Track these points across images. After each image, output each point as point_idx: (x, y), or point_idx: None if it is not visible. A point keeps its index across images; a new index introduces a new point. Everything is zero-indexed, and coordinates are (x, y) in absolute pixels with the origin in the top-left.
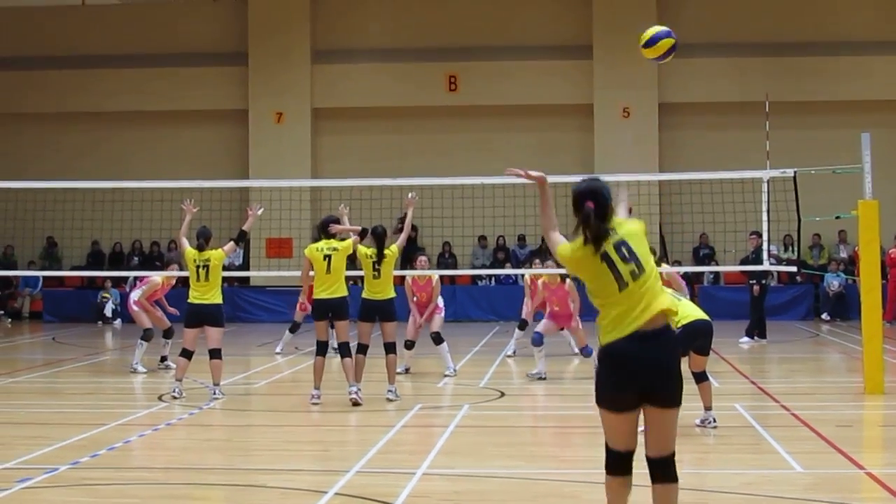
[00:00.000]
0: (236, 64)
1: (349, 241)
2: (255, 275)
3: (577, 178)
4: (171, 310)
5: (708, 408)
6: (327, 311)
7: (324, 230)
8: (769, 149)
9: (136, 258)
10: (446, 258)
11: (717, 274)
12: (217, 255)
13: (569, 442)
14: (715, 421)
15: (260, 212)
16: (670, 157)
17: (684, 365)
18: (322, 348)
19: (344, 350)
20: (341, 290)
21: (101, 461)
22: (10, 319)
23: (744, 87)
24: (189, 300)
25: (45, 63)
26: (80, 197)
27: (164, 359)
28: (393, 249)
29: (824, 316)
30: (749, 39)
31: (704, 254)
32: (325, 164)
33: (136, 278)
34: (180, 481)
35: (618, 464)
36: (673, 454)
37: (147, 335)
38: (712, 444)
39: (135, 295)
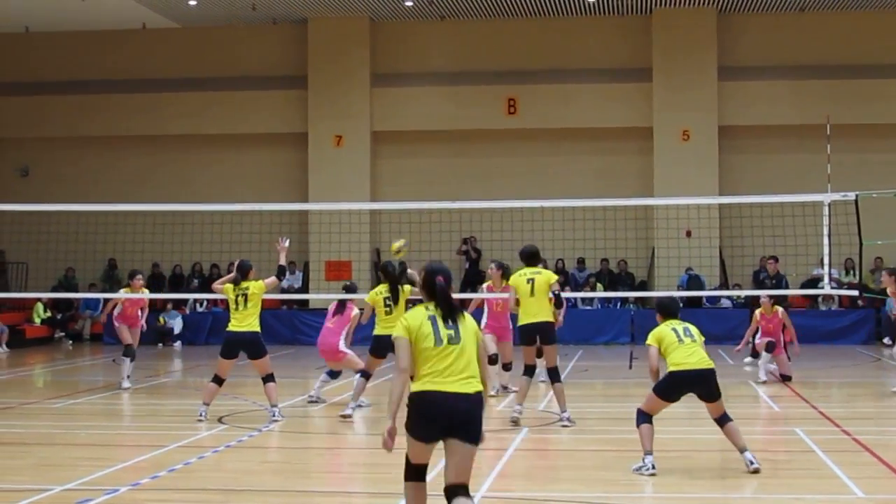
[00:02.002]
0: (296, 87)
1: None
2: (315, 297)
3: (636, 202)
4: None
5: (743, 449)
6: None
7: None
8: (830, 172)
9: (195, 280)
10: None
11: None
12: (257, 286)
13: (627, 466)
14: (753, 462)
15: (286, 243)
16: (730, 180)
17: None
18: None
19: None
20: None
21: (161, 483)
22: (70, 341)
23: (804, 110)
24: (227, 328)
25: (107, 87)
26: (140, 219)
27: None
28: (406, 289)
29: (886, 340)
30: (809, 62)
31: (764, 277)
32: (384, 187)
33: (195, 301)
34: (240, 503)
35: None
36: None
37: (128, 351)
38: (773, 470)
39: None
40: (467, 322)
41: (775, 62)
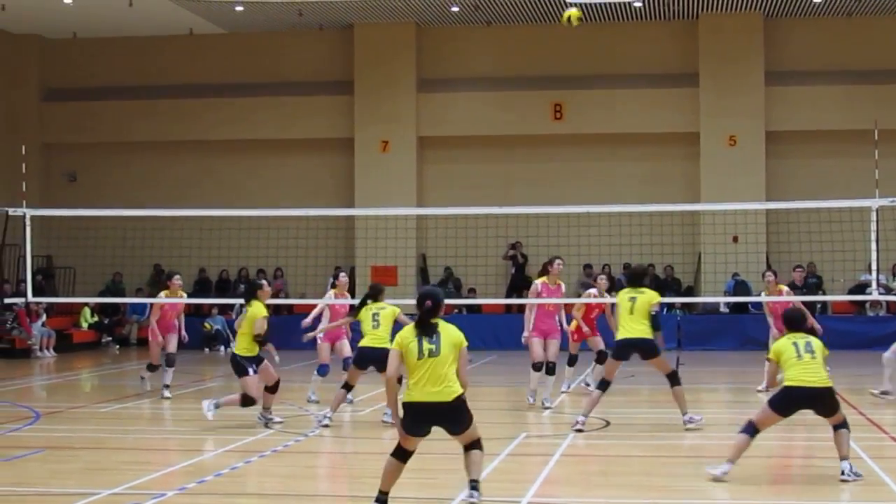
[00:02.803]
0: (342, 93)
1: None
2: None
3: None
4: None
5: (844, 458)
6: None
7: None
8: (878, 177)
9: (242, 285)
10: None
11: (824, 303)
12: (391, 311)
13: (674, 472)
14: (845, 472)
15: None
16: (777, 185)
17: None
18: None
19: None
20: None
21: (207, 487)
22: (118, 346)
23: (851, 115)
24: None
25: (154, 92)
26: (187, 225)
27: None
28: (390, 311)
29: None
30: (856, 67)
31: (812, 283)
32: (430, 192)
33: (241, 305)
34: None
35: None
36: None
37: (169, 360)
38: (819, 476)
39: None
40: (450, 336)
41: (822, 67)
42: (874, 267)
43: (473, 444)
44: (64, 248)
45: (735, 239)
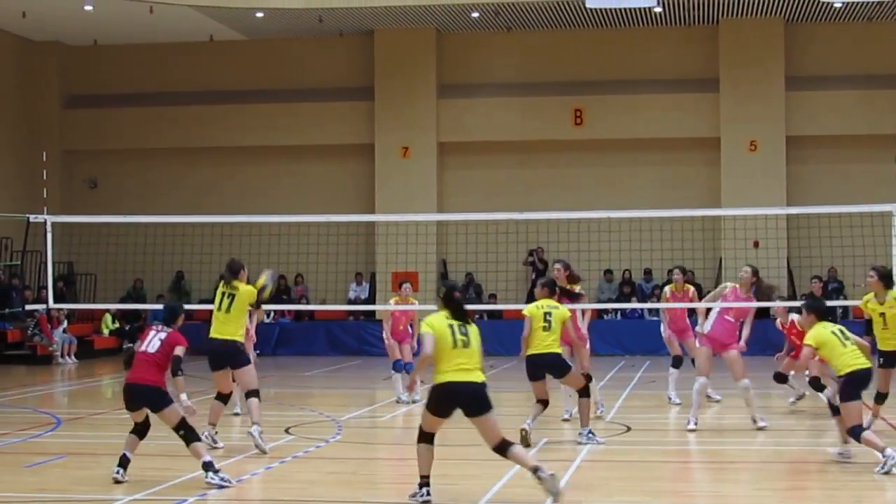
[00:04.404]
0: (363, 99)
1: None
2: (382, 308)
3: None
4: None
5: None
6: None
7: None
8: None
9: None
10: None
11: (845, 308)
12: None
13: (694, 477)
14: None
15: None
16: (798, 190)
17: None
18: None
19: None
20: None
21: (228, 493)
22: None
23: (872, 120)
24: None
25: (174, 99)
26: (208, 231)
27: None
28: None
29: None
30: (877, 72)
31: (833, 288)
32: (451, 198)
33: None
34: None
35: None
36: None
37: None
38: (842, 482)
39: None
40: (474, 328)
41: (843, 72)
42: None
43: (502, 445)
44: (85, 255)
45: (756, 244)
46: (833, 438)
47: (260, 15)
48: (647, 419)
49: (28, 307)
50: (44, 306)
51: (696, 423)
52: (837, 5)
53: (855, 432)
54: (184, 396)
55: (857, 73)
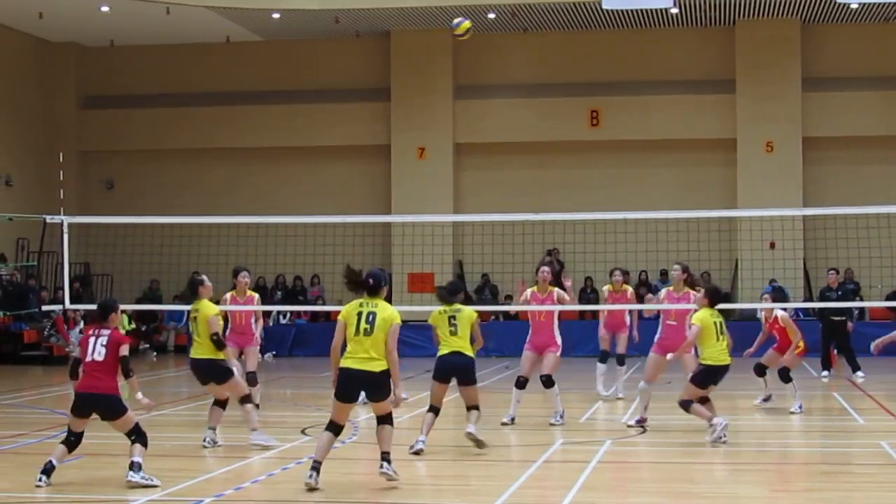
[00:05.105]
0: (379, 100)
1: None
2: (398, 309)
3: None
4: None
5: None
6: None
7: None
8: None
9: (279, 292)
10: (588, 293)
11: (862, 309)
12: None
13: (712, 478)
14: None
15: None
16: (814, 191)
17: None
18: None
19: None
20: None
21: (244, 494)
22: (155, 353)
23: (889, 121)
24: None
25: (191, 100)
26: (224, 232)
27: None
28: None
29: None
30: (893, 73)
31: (849, 289)
32: (467, 199)
33: (279, 313)
34: None
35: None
36: None
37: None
38: (857, 483)
39: None
40: (385, 314)
41: (859, 73)
42: None
43: (384, 419)
44: (101, 256)
45: (772, 245)
46: (856, 438)
47: (276, 16)
48: (663, 420)
49: (45, 308)
50: (60, 307)
51: (636, 422)
52: (854, 6)
53: (685, 404)
54: (139, 395)
55: (874, 75)
